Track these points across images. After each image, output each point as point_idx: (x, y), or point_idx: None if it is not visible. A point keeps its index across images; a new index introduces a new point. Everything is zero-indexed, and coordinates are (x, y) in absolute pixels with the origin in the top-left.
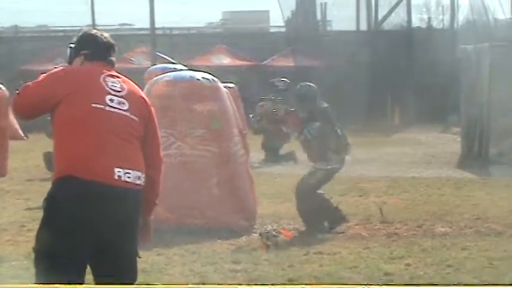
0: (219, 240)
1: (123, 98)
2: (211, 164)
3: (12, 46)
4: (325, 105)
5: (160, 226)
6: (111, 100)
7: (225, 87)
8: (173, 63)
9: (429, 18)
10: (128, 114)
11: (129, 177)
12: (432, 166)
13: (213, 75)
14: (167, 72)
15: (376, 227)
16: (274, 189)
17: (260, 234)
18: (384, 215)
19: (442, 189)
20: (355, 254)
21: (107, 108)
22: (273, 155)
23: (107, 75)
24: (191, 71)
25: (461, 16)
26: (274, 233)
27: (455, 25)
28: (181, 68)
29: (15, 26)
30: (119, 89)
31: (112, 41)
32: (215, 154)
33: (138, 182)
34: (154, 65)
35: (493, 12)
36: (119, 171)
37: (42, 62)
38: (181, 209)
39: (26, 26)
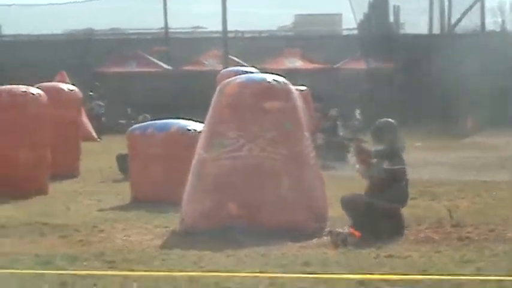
0: (289, 243)
1: None
2: (282, 166)
3: (86, 48)
4: (404, 143)
5: (233, 224)
6: None
7: (296, 90)
8: (245, 66)
9: (503, 21)
10: None
11: None
12: (505, 170)
13: (284, 77)
14: (239, 75)
15: (448, 230)
16: (346, 192)
17: (329, 233)
18: (455, 218)
19: None
20: (426, 257)
21: None
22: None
23: None
24: (263, 74)
25: None
26: (344, 232)
27: None
28: (252, 71)
29: (89, 29)
30: None
31: None
32: (285, 156)
33: None
34: (226, 67)
35: None
36: None
37: (115, 64)
38: (253, 208)
39: (100, 29)
